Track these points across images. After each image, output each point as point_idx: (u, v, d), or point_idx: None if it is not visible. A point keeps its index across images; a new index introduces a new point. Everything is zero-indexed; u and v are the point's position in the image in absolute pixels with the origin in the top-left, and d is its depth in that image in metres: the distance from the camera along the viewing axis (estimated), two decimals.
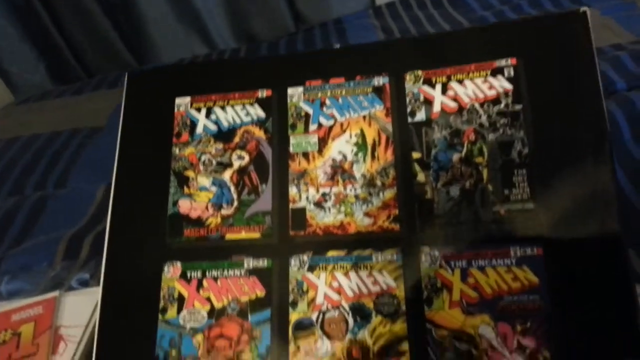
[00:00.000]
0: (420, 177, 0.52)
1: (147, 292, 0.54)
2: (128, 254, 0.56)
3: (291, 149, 0.56)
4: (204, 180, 0.57)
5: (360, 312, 0.48)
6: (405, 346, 0.46)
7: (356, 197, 0.53)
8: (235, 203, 0.56)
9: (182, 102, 0.61)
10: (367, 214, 0.52)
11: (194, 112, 0.59)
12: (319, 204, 0.54)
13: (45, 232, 0.78)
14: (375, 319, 0.48)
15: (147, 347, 0.53)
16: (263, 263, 0.54)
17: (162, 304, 0.53)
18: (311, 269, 0.51)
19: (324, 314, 0.49)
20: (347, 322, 0.48)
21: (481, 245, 0.49)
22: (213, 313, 0.53)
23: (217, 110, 0.59)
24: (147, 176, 0.60)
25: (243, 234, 0.56)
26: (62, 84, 1.55)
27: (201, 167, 0.58)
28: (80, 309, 0.62)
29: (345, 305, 0.48)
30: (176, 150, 0.59)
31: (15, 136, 1.10)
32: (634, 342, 0.40)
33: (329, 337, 0.48)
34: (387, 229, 0.51)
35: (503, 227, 0.48)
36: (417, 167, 0.52)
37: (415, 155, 0.53)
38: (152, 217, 0.58)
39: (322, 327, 0.48)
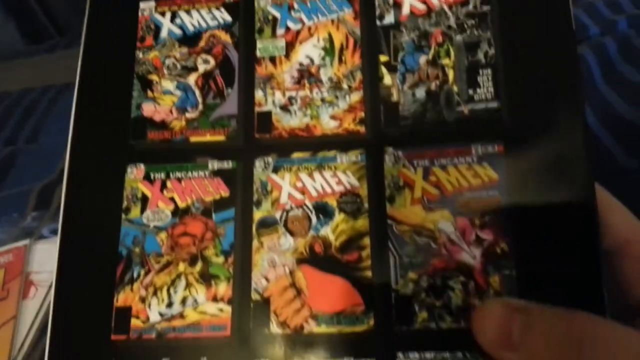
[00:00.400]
0: (387, 80, 0.51)
1: (111, 193, 0.52)
2: (91, 154, 0.55)
3: (258, 53, 0.55)
4: (168, 84, 0.56)
5: (323, 211, 0.48)
6: (366, 241, 0.46)
7: (322, 100, 0.52)
8: (200, 107, 0.54)
9: (147, 7, 0.60)
10: (333, 117, 0.51)
11: (158, 16, 0.58)
12: (284, 108, 0.53)
13: (16, 185, 0.76)
14: (338, 217, 0.47)
15: (110, 246, 0.52)
16: (228, 165, 0.53)
17: (125, 204, 0.51)
18: (275, 170, 0.51)
19: (287, 212, 0.49)
20: (310, 219, 0.48)
21: (444, 145, 0.49)
22: (177, 212, 0.52)
23: (182, 14, 0.57)
24: (111, 81, 0.58)
25: (208, 137, 0.55)
26: (34, 43, 1.48)
27: (165, 71, 0.56)
28: (50, 256, 0.59)
29: (309, 204, 0.48)
30: (140, 55, 0.58)
31: None
32: (587, 239, 0.41)
33: (292, 233, 0.48)
34: (353, 131, 0.50)
35: (466, 126, 0.48)
36: (383, 70, 0.51)
37: (383, 58, 0.52)
38: (116, 121, 0.56)
39: (285, 225, 0.48)
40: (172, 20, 0.57)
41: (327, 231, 0.48)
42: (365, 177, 0.48)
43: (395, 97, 0.49)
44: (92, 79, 0.56)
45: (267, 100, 0.53)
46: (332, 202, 0.48)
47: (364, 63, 0.51)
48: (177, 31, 0.57)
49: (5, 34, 1.60)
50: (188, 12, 0.56)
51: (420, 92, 0.49)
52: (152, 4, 0.59)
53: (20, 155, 0.90)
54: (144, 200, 0.53)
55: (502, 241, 0.45)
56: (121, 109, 0.56)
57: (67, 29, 1.57)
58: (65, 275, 0.49)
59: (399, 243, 0.45)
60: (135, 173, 0.52)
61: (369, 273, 0.45)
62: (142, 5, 0.60)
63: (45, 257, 0.60)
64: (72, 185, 0.54)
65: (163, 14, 0.57)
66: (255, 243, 0.48)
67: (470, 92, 0.48)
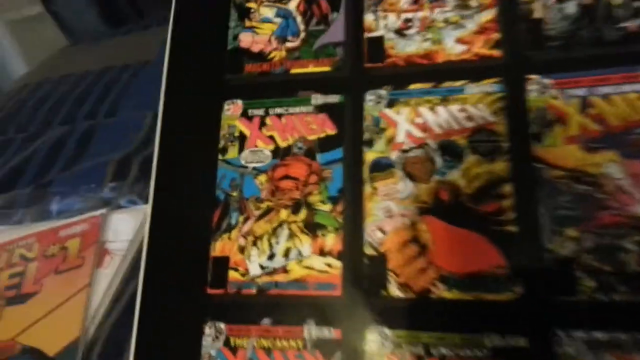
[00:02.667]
0: None
1: (206, 131, 0.44)
2: (186, 91, 0.45)
3: None
4: (267, 11, 0.46)
5: (450, 151, 0.37)
6: (507, 188, 0.35)
7: (446, 21, 0.37)
8: (302, 34, 0.43)
9: None
10: (459, 40, 0.36)
11: None
12: (400, 32, 0.39)
13: (95, 156, 0.69)
14: (470, 158, 0.37)
15: (207, 189, 0.42)
16: (334, 99, 0.42)
17: (222, 143, 0.42)
18: (390, 104, 0.40)
19: (405, 152, 0.38)
20: (433, 161, 0.37)
21: (605, 69, 0.36)
22: (278, 152, 0.42)
23: None
24: (205, 10, 0.48)
25: (311, 68, 0.43)
26: (114, 27, 1.39)
27: None
28: (126, 226, 0.55)
29: (432, 143, 0.37)
30: None
31: (67, 73, 1.03)
32: None
33: (412, 177, 0.36)
34: (485, 56, 0.35)
35: (634, 47, 0.32)
36: None
37: None
38: (211, 54, 0.46)
39: (403, 168, 0.38)
40: None
41: (455, 175, 0.36)
42: (502, 110, 0.36)
43: (538, 13, 0.34)
44: (186, 9, 0.45)
45: (378, 23, 0.40)
46: (461, 141, 0.36)
47: None
48: None
49: (89, 19, 1.53)
50: None
51: (571, 7, 0.33)
52: None
53: (99, 129, 0.85)
54: (242, 139, 0.42)
55: None
56: (217, 41, 0.45)
57: (146, 12, 1.47)
58: (158, 220, 0.37)
59: (551, 191, 0.33)
60: (232, 110, 0.43)
61: (512, 228, 0.33)
62: None
63: (121, 227, 0.55)
64: (166, 123, 0.43)
65: None
66: (367, 188, 0.37)
67: (636, 3, 0.31)
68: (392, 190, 0.36)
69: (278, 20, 0.43)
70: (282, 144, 0.39)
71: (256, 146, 0.40)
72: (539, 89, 0.35)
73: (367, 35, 0.40)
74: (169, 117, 0.44)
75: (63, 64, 1.17)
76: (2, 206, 0.66)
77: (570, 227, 0.32)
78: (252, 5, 0.44)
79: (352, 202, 0.37)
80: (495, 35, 0.37)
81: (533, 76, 0.35)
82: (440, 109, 0.36)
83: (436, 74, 0.38)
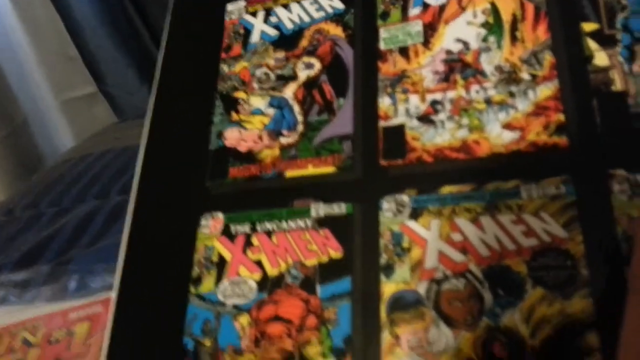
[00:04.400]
0: (600, 58, 0.31)
1: (177, 254, 0.37)
2: (159, 201, 0.39)
3: (382, 45, 0.38)
4: (258, 102, 0.40)
5: (504, 282, 0.28)
6: (592, 338, 0.26)
7: (488, 101, 0.29)
8: (300, 127, 0.38)
9: (235, 8, 0.45)
10: (508, 126, 0.31)
11: (248, 18, 0.43)
12: (426, 118, 0.35)
13: (120, 233, 0.65)
14: (533, 293, 0.28)
15: (173, 335, 0.34)
16: (340, 209, 0.34)
17: (195, 271, 0.36)
18: (415, 214, 0.32)
19: (439, 284, 0.30)
20: (480, 297, 0.29)
21: None
22: (266, 283, 0.34)
23: (279, 10, 0.42)
24: (188, 104, 0.42)
25: (310, 169, 0.36)
26: None
27: (255, 85, 0.41)
28: None
29: (476, 270, 0.29)
30: (225, 68, 0.42)
31: (108, 149, 1.05)
32: None
33: (449, 321, 0.29)
34: (546, 146, 0.31)
35: None
36: (592, 45, 0.32)
37: (589, 27, 0.32)
38: (190, 155, 0.40)
39: (436, 306, 0.29)
40: (266, 20, 0.41)
41: (514, 319, 0.27)
42: (576, 220, 0.28)
43: (618, 85, 0.30)
44: (167, 102, 0.42)
45: (397, 109, 0.35)
46: (520, 267, 0.28)
47: (557, 37, 0.32)
48: (272, 32, 0.41)
49: (140, 97, 1.58)
50: (286, 6, 0.41)
51: None
52: (242, 3, 0.44)
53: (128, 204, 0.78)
54: (221, 265, 0.35)
55: None
56: (198, 139, 0.40)
57: None
58: None
59: None
60: (211, 226, 0.36)
61: None
62: (229, 7, 0.44)
63: None
64: (133, 250, 0.38)
65: (255, 13, 0.42)
66: (386, 336, 0.29)
67: None
68: (422, 339, 0.25)
69: (271, 111, 0.36)
70: (272, 271, 0.33)
71: (239, 274, 0.35)
72: (628, 190, 0.24)
73: (382, 124, 0.32)
74: (135, 242, 0.39)
75: (107, 140, 1.18)
76: (19, 283, 0.64)
77: None
78: (240, 94, 0.37)
79: (363, 356, 0.26)
80: (558, 117, 0.27)
81: (618, 171, 0.24)
82: (487, 221, 0.27)
83: (477, 172, 0.31)
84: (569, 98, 0.30)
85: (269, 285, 0.33)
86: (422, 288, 0.29)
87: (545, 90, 0.31)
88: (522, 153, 0.30)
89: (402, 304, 0.29)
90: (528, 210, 0.28)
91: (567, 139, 0.29)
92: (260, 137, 0.38)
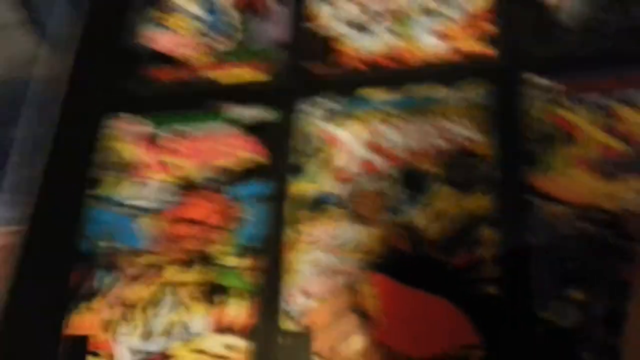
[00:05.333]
0: None
1: (80, 155, 0.44)
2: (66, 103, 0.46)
3: None
4: (191, 5, 0.48)
5: (415, 182, 0.37)
6: (487, 232, 0.34)
7: (420, 9, 0.36)
8: (234, 32, 0.46)
9: None
10: (437, 34, 0.36)
11: None
12: (357, 25, 0.42)
13: None
14: (440, 191, 0.36)
15: (68, 237, 0.41)
16: (265, 114, 0.42)
17: (99, 172, 0.42)
18: (336, 117, 0.40)
19: (351, 183, 0.38)
20: (388, 195, 0.37)
21: (631, 66, 0.35)
22: (173, 185, 0.41)
23: None
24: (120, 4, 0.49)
25: (239, 73, 0.44)
26: None
27: None
28: None
29: (388, 171, 0.37)
30: None
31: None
32: None
33: (360, 219, 0.36)
34: (472, 54, 0.39)
35: None
36: None
37: None
38: (109, 54, 0.48)
39: (346, 204, 0.37)
40: None
41: (419, 215, 0.35)
42: (489, 124, 0.36)
43: None
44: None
45: (335, 16, 0.43)
46: (430, 168, 0.36)
47: None
48: None
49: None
50: None
51: None
52: None
53: None
54: (127, 166, 0.42)
55: None
56: (115, 36, 0.48)
57: None
58: (17, 279, 0.40)
59: (550, 236, 0.32)
60: (120, 126, 0.44)
61: (492, 289, 0.32)
62: None
63: None
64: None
65: None
66: (291, 233, 0.36)
67: None
68: (328, 236, 0.34)
69: (203, 14, 0.43)
70: (181, 172, 0.38)
71: (145, 175, 0.39)
72: (541, 95, 0.33)
73: (314, 29, 0.39)
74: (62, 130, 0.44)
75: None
76: None
77: (574, 288, 0.29)
78: None
79: (269, 254, 0.34)
80: (485, 26, 0.36)
81: (533, 77, 0.33)
82: (403, 125, 0.35)
83: (403, 79, 0.40)
84: (500, 7, 0.38)
85: (176, 186, 0.40)
86: (333, 188, 0.37)
87: (480, 2, 0.40)
88: (448, 61, 0.39)
89: (320, 203, 0.37)
90: (447, 115, 0.37)
91: (494, 49, 0.38)
92: (190, 41, 0.46)
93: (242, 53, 0.42)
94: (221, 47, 0.43)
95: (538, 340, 0.29)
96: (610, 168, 0.32)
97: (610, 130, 0.32)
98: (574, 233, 0.31)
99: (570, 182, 0.32)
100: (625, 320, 0.25)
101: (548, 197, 0.32)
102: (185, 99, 0.42)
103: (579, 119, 0.33)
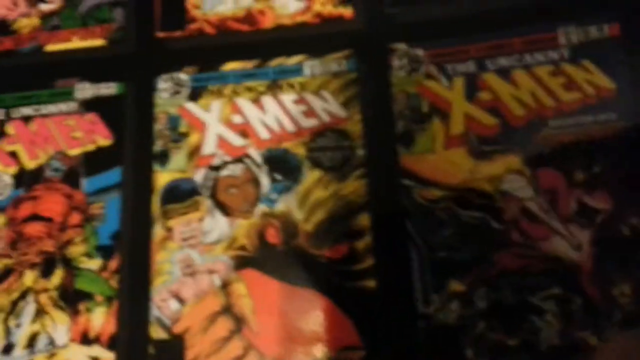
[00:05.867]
0: None
1: None
2: None
3: None
4: None
5: (282, 165, 0.33)
6: (364, 220, 0.32)
7: None
8: None
9: None
10: None
11: None
12: None
13: None
14: (310, 176, 0.33)
15: None
16: (109, 89, 0.37)
17: None
18: (195, 95, 0.36)
19: (217, 170, 0.34)
20: (257, 183, 0.33)
21: (505, 31, 0.33)
22: (22, 178, 0.36)
23: None
24: None
25: (75, 42, 0.38)
26: None
27: None
28: None
29: (256, 155, 0.33)
30: None
31: None
32: None
33: (225, 209, 0.33)
34: (331, 17, 0.33)
35: None
36: None
37: None
38: None
39: (213, 194, 0.34)
40: None
41: (289, 204, 0.32)
42: (356, 99, 0.33)
43: None
44: None
45: None
46: (299, 150, 0.32)
47: None
48: None
49: None
50: None
51: None
52: None
53: None
54: None
55: (632, 213, 0.29)
56: None
57: None
58: None
59: (427, 222, 0.30)
60: None
61: (371, 283, 0.30)
62: None
63: None
64: None
65: None
66: (158, 230, 0.32)
67: None
68: (195, 231, 0.30)
69: None
70: (30, 164, 0.34)
71: None
72: (407, 65, 0.30)
73: None
74: None
75: None
76: None
77: (455, 279, 0.27)
78: None
79: (132, 254, 0.31)
80: None
81: (399, 45, 0.31)
82: (268, 101, 0.32)
83: (262, 47, 0.34)
84: None
85: (26, 179, 0.36)
86: (198, 176, 0.34)
87: None
88: (307, 25, 0.35)
89: (177, 194, 0.34)
90: (310, 89, 0.33)
91: (352, 11, 0.34)
92: (15, 3, 0.40)
93: (70, 16, 0.37)
94: (50, 7, 0.37)
95: (420, 338, 0.28)
96: (483, 146, 0.30)
97: (479, 102, 0.30)
98: (450, 219, 0.29)
99: (443, 162, 0.30)
100: None
101: (422, 180, 0.30)
102: (25, 76, 0.37)
103: (447, 92, 0.31)
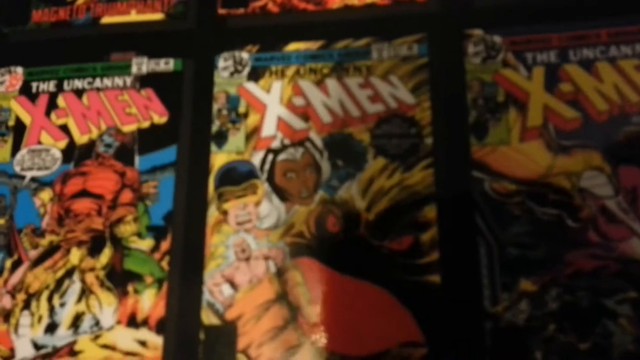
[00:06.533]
0: None
1: None
2: None
3: None
4: None
5: (344, 152, 0.33)
6: (431, 212, 0.31)
7: None
8: None
9: None
10: None
11: None
12: None
13: None
14: (374, 164, 0.32)
15: None
16: (167, 66, 0.37)
17: None
18: (256, 75, 0.35)
19: (275, 154, 0.33)
20: (318, 168, 0.32)
21: (589, 21, 0.32)
22: (73, 152, 0.36)
23: None
24: None
25: (133, 15, 0.38)
26: None
27: None
28: None
29: (317, 139, 0.33)
30: None
31: None
32: None
33: (283, 195, 0.32)
34: (404, 0, 0.29)
35: None
36: None
37: None
38: None
39: (270, 178, 0.33)
40: None
41: (351, 192, 0.31)
42: (426, 85, 0.32)
43: None
44: None
45: None
46: (363, 136, 0.32)
47: None
48: None
49: None
50: None
51: None
52: None
53: None
54: (19, 130, 0.36)
55: None
56: None
57: None
58: None
59: (497, 217, 0.29)
60: (7, 83, 0.36)
61: (436, 278, 0.29)
62: None
63: None
64: None
65: None
66: (212, 212, 0.31)
67: None
68: (251, 215, 0.30)
69: None
70: (81, 138, 0.34)
71: (40, 142, 0.36)
72: (483, 52, 0.29)
73: None
74: None
75: None
76: None
77: (526, 277, 0.26)
78: None
79: (185, 235, 0.31)
80: None
81: (475, 31, 0.30)
82: (332, 84, 0.31)
83: (327, 27, 0.34)
84: None
85: (76, 154, 0.35)
86: (256, 159, 0.33)
87: None
88: (377, 5, 0.34)
89: (234, 176, 0.33)
90: (377, 73, 0.33)
91: None
92: None
93: None
94: None
95: (486, 338, 0.27)
96: (562, 140, 0.29)
97: (560, 94, 0.29)
98: (523, 214, 0.28)
99: (518, 155, 0.29)
100: None
101: (494, 173, 0.29)
102: (79, 48, 0.36)
103: (526, 81, 0.30)
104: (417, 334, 0.27)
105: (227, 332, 0.29)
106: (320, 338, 0.29)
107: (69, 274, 0.33)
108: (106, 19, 0.36)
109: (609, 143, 0.28)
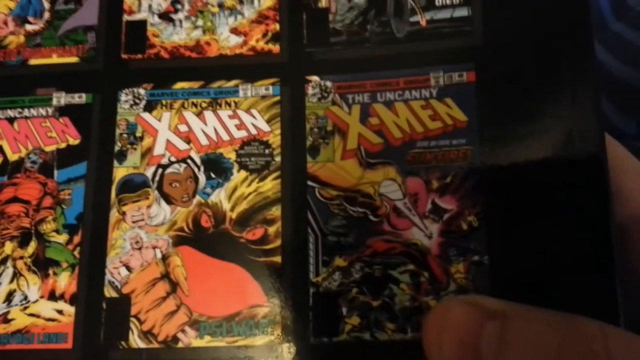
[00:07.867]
0: None
1: None
2: None
3: None
4: None
5: (216, 167, 0.44)
6: (276, 211, 0.40)
7: (220, 5, 0.43)
8: (47, 15, 0.46)
9: None
10: (234, 30, 0.43)
11: None
12: (166, 16, 0.44)
13: None
14: (237, 176, 0.43)
15: None
16: (80, 98, 0.46)
17: None
18: (150, 106, 0.45)
19: (164, 168, 0.42)
20: (196, 179, 0.41)
21: (391, 72, 0.43)
22: (6, 168, 0.46)
23: None
24: None
25: (54, 58, 0.48)
26: None
27: None
28: None
29: (196, 157, 0.41)
30: None
31: None
32: (594, 211, 0.34)
33: (169, 200, 0.40)
34: (262, 51, 0.42)
35: (422, 46, 0.40)
36: None
37: None
38: None
39: (160, 187, 0.41)
40: None
41: (220, 197, 0.43)
42: (278, 118, 0.43)
43: (323, 2, 0.41)
44: None
45: (141, 4, 0.44)
46: (230, 155, 0.43)
47: None
48: None
49: None
50: None
51: None
52: None
53: None
54: None
55: (469, 213, 0.38)
56: None
57: None
58: None
59: (322, 215, 0.41)
60: None
61: (277, 259, 0.40)
62: None
63: None
64: None
65: None
66: (114, 213, 0.40)
67: None
68: (144, 215, 0.42)
69: None
70: (13, 156, 0.44)
71: None
72: (319, 94, 0.42)
73: (126, 18, 0.45)
74: None
75: None
76: None
77: (339, 256, 0.39)
78: None
79: (92, 230, 0.42)
80: (274, 27, 0.44)
81: (313, 77, 0.42)
82: (209, 115, 0.43)
83: (206, 71, 0.44)
84: (284, 9, 0.47)
85: (9, 169, 0.47)
86: (149, 172, 0.46)
87: (267, 1, 0.48)
88: (243, 56, 0.47)
89: (131, 185, 0.46)
90: (242, 107, 0.46)
91: (278, 47, 0.47)
92: (5, 23, 0.51)
93: (51, 36, 0.47)
94: (34, 28, 0.48)
95: (310, 299, 0.40)
96: (369, 159, 0.42)
97: (370, 125, 0.42)
98: (340, 212, 0.41)
99: (340, 170, 0.42)
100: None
101: (322, 183, 0.42)
102: (11, 84, 0.47)
103: (347, 116, 0.43)
104: (263, 299, 0.40)
105: (123, 303, 0.41)
106: (192, 305, 0.41)
107: (3, 261, 0.43)
108: (33, 61, 0.47)
109: (401, 161, 0.40)
